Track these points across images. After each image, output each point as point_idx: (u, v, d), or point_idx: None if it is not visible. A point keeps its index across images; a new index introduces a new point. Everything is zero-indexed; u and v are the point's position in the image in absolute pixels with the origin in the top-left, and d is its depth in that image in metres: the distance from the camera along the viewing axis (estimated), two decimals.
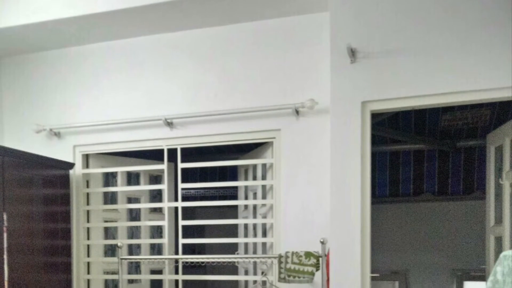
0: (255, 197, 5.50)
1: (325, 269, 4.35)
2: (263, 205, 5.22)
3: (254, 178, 5.46)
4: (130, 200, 5.85)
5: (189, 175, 7.13)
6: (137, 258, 5.54)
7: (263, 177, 5.25)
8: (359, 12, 4.23)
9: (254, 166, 5.46)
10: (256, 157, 5.34)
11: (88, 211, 5.56)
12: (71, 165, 5.32)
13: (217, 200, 6.08)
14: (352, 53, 4.17)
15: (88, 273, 5.57)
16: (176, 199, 5.38)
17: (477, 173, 7.54)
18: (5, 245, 4.46)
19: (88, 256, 5.57)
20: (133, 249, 6.05)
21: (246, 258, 5.08)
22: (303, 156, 4.76)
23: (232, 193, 7.68)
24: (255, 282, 5.08)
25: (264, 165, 5.22)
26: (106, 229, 5.77)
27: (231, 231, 5.82)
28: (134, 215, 6.01)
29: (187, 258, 5.10)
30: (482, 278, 6.21)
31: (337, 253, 4.33)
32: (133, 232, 6.07)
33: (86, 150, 5.45)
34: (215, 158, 5.65)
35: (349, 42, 4.14)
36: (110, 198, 5.81)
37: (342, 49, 4.19)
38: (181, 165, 5.18)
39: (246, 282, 5.59)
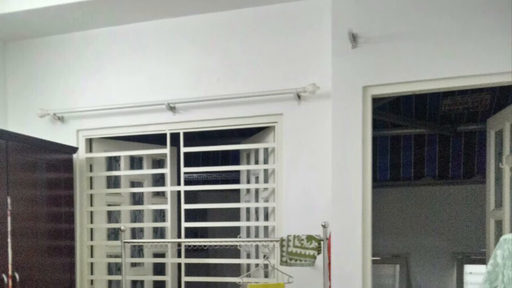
0: (257, 181, 5.53)
1: (327, 252, 4.37)
2: (265, 189, 5.24)
3: (256, 162, 5.49)
4: (133, 184, 5.88)
5: (191, 159, 7.13)
6: (140, 242, 5.56)
7: (265, 161, 5.27)
8: None
9: (256, 151, 5.49)
10: (258, 142, 5.36)
11: (91, 195, 5.59)
12: (74, 149, 5.35)
13: (220, 184, 6.08)
14: (354, 38, 4.19)
15: (91, 256, 5.61)
16: (178, 183, 5.41)
17: (478, 157, 7.55)
18: (9, 228, 4.50)
19: (91, 239, 5.61)
20: (136, 233, 6.10)
21: (248, 241, 5.11)
22: (305, 140, 4.79)
23: (234, 177, 7.72)
24: (257, 265, 5.12)
25: (266, 149, 5.24)
26: (109, 213, 5.80)
27: (233, 214, 5.84)
28: (137, 199, 6.04)
29: (189, 242, 5.13)
30: (482, 261, 6.24)
31: (339, 237, 4.37)
32: (136, 216, 6.10)
33: (89, 134, 5.48)
34: (217, 143, 5.67)
35: (350, 27, 4.16)
36: (113, 182, 5.83)
37: (343, 34, 4.21)
38: (183, 149, 5.21)
39: (248, 265, 5.61)
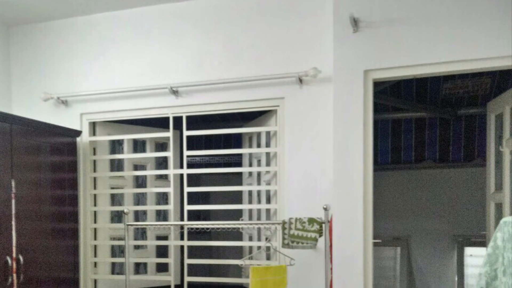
0: (259, 164, 5.55)
1: (328, 235, 4.40)
2: (267, 172, 5.27)
3: (258, 145, 5.52)
4: (136, 167, 5.90)
5: (194, 142, 7.18)
6: (143, 224, 5.59)
7: (267, 145, 5.29)
8: None
9: (258, 134, 5.51)
10: (260, 125, 5.38)
11: (95, 178, 5.63)
12: (78, 133, 5.38)
13: (222, 167, 6.11)
14: (355, 22, 4.20)
15: (95, 239, 5.65)
16: (181, 166, 5.44)
17: (478, 140, 7.56)
18: (13, 211, 4.54)
19: (95, 222, 5.65)
20: (139, 216, 6.12)
21: (250, 224, 5.17)
22: (307, 124, 4.81)
23: (236, 160, 7.73)
24: (259, 248, 5.14)
25: (268, 133, 5.27)
26: (113, 196, 5.85)
27: (236, 197, 5.87)
28: (140, 182, 6.07)
29: (192, 224, 5.16)
30: (483, 244, 6.26)
31: (340, 219, 4.40)
32: (139, 199, 6.13)
33: (93, 118, 5.51)
34: (219, 126, 5.68)
35: (351, 11, 4.17)
36: (116, 165, 5.87)
37: (344, 18, 4.23)
38: (186, 133, 5.22)
39: (250, 248, 5.63)
